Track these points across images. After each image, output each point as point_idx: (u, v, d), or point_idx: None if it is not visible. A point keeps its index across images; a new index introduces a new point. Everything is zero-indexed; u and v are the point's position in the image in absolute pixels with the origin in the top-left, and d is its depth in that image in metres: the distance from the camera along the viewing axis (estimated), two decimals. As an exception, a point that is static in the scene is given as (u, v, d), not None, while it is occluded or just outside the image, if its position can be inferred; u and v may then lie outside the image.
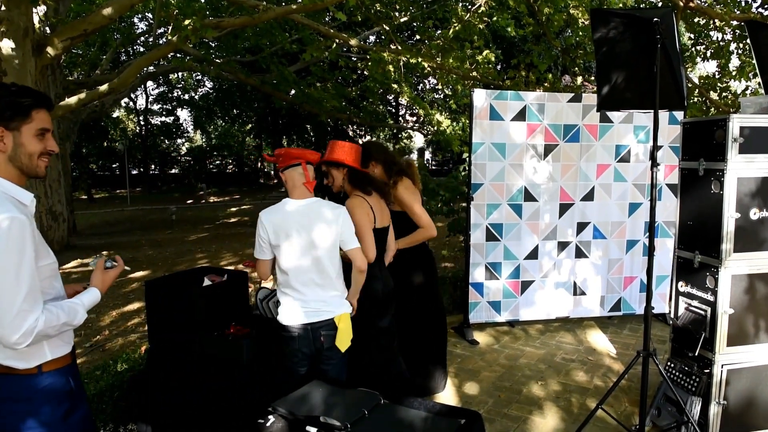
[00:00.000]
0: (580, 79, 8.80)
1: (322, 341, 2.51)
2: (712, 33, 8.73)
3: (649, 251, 2.87)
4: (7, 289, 1.52)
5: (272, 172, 30.76)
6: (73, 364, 1.82)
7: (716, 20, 7.72)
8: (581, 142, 4.97)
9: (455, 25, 8.25)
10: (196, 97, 27.41)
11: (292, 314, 2.51)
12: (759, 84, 3.66)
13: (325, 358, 2.57)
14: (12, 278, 1.53)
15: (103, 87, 8.23)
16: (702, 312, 3.02)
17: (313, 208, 2.54)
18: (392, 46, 8.57)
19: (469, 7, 8.89)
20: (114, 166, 29.49)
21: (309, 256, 2.51)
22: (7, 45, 7.23)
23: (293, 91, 11.94)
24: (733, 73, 8.40)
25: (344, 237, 2.59)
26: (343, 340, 2.54)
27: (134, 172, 29.03)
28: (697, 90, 8.37)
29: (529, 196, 4.95)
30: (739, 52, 8.37)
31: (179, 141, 31.49)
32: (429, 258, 3.63)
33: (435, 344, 3.67)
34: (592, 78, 9.32)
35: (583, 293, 5.17)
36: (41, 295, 1.62)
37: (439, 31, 10.87)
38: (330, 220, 2.54)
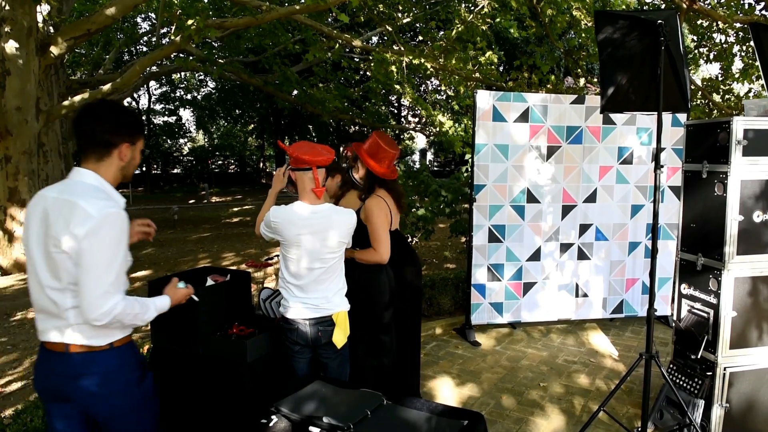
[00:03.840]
0: (582, 81, 8.79)
1: (320, 335, 2.57)
2: (715, 35, 8.72)
3: (652, 253, 2.87)
4: (99, 271, 1.74)
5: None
6: (132, 341, 2.02)
7: (719, 22, 7.71)
8: (584, 144, 4.97)
9: (458, 26, 8.25)
10: (199, 97, 27.46)
11: (293, 308, 2.58)
12: (762, 86, 3.67)
13: (323, 352, 2.64)
14: (106, 263, 1.75)
15: (106, 87, 8.25)
16: (705, 314, 3.02)
17: (320, 216, 2.55)
18: (395, 47, 8.58)
19: (472, 8, 8.89)
20: (116, 165, 29.50)
21: (313, 259, 2.54)
22: (11, 44, 7.25)
23: (296, 92, 11.96)
24: (737, 76, 8.39)
25: (349, 240, 2.69)
26: (339, 336, 2.60)
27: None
28: (700, 92, 8.36)
29: (531, 198, 4.95)
30: (743, 54, 8.36)
31: (182, 141, 31.52)
32: (414, 263, 3.46)
33: (412, 347, 3.51)
34: (595, 80, 9.31)
35: (585, 295, 5.16)
36: (124, 280, 1.86)
37: (442, 33, 10.87)
38: (339, 228, 2.57)
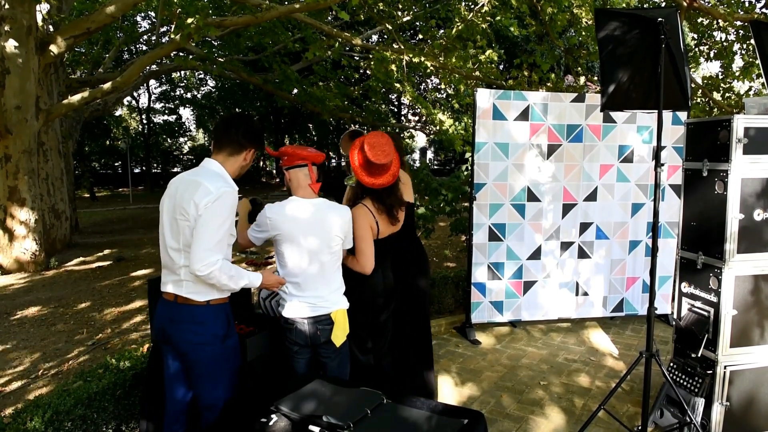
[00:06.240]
0: (583, 79, 8.77)
1: (319, 334, 2.57)
2: (715, 33, 8.70)
3: (653, 252, 2.86)
4: (208, 232, 2.16)
5: (274, 171, 30.78)
6: (228, 305, 2.38)
7: (720, 20, 7.69)
8: (584, 142, 4.97)
9: (458, 24, 8.22)
10: (199, 95, 27.41)
11: (290, 307, 2.57)
12: (762, 84, 3.66)
13: (322, 351, 2.63)
14: (215, 227, 2.17)
15: (106, 85, 8.24)
16: (705, 313, 3.02)
17: (318, 208, 2.57)
18: (395, 46, 8.56)
19: (472, 6, 8.87)
20: (116, 164, 29.50)
21: (310, 254, 2.54)
22: (10, 43, 7.24)
23: (296, 90, 11.92)
24: (737, 74, 8.36)
25: (348, 238, 2.70)
26: (339, 334, 2.59)
27: (136, 170, 29.06)
28: (700, 90, 8.34)
29: (532, 196, 4.95)
30: (743, 52, 8.34)
31: (181, 140, 31.49)
32: (422, 260, 3.42)
33: (422, 347, 3.45)
34: (595, 78, 9.30)
35: (585, 294, 5.16)
36: (226, 249, 2.26)
37: (442, 31, 10.85)
38: (335, 222, 2.58)
